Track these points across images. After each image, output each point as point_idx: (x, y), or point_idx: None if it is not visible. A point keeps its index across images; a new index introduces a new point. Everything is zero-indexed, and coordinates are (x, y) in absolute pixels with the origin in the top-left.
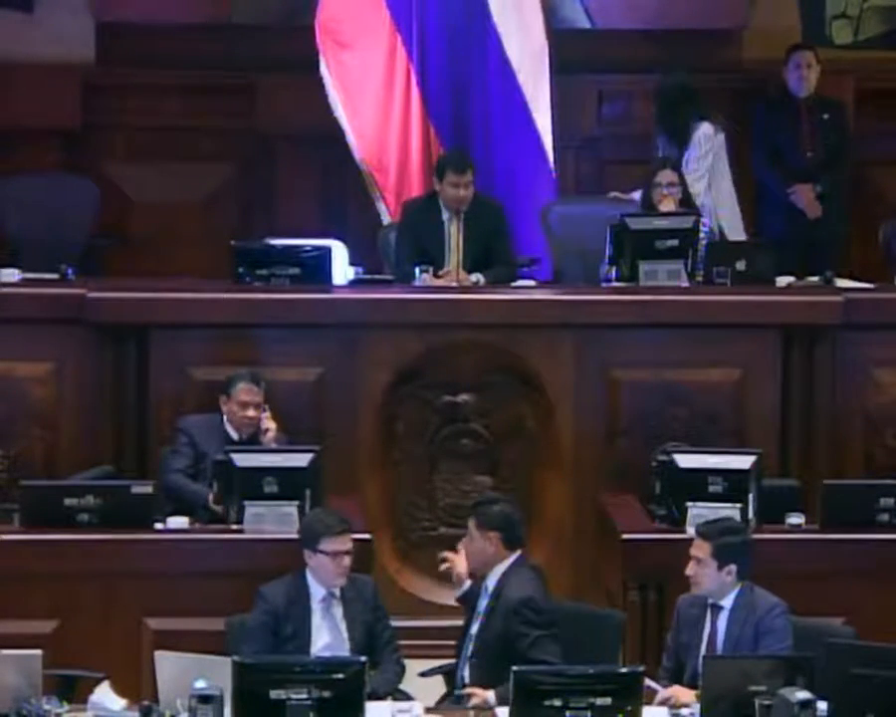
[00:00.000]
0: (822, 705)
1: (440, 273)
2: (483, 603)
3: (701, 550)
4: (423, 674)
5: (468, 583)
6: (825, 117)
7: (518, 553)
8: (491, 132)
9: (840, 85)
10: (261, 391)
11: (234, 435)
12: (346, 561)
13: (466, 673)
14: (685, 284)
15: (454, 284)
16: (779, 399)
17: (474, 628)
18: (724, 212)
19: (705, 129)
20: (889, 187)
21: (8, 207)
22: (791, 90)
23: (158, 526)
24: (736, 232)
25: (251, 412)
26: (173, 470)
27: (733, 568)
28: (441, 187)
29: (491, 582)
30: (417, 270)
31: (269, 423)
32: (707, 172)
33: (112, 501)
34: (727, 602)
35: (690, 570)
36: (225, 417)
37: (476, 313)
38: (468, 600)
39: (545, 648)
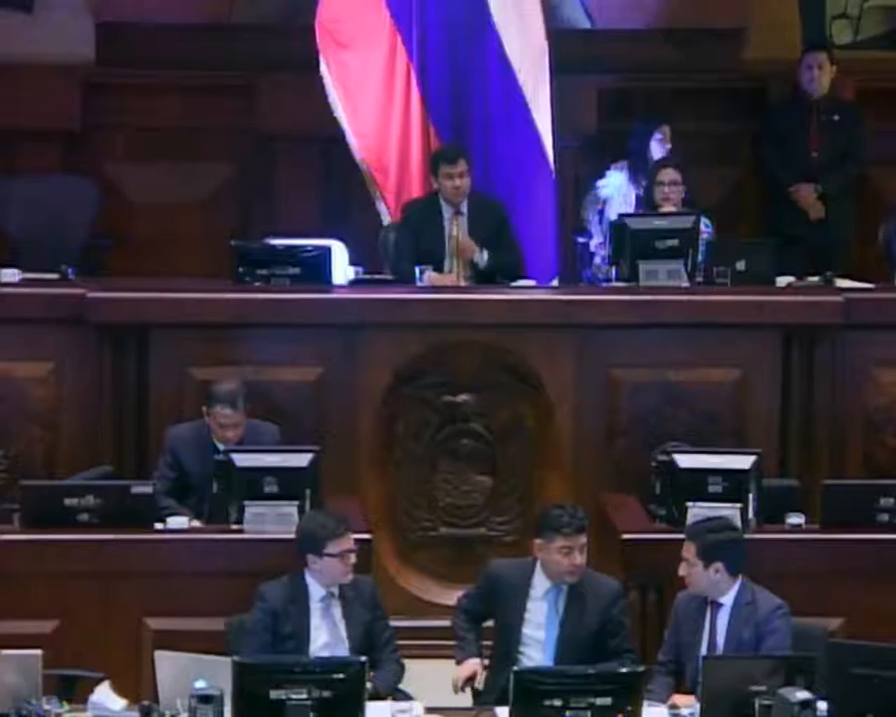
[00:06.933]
0: (822, 705)
1: (440, 275)
2: (560, 606)
3: (688, 551)
4: None
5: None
6: (836, 118)
7: None
8: (491, 133)
9: (840, 85)
10: (239, 413)
11: (220, 446)
12: (353, 558)
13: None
14: (685, 284)
15: (457, 284)
16: (779, 399)
17: (551, 633)
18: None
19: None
20: (889, 187)
21: (8, 207)
22: (804, 89)
23: (158, 526)
24: None
25: (229, 433)
26: (157, 490)
27: (720, 565)
28: (439, 183)
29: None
30: (417, 270)
31: None
32: None
33: (113, 501)
34: (727, 600)
35: (682, 570)
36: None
37: (476, 313)
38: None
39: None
